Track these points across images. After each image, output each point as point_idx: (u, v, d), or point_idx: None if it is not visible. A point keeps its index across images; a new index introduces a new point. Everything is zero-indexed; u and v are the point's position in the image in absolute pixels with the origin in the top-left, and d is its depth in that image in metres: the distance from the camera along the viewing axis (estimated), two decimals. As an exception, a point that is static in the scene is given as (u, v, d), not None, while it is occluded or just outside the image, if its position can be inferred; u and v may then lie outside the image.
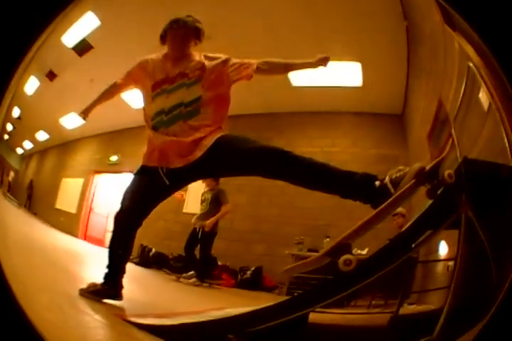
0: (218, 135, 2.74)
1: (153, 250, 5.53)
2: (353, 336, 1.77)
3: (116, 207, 7.91)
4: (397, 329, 1.72)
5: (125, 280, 3.39)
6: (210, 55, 2.88)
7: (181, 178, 2.78)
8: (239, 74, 2.77)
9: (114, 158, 7.73)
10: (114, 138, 7.95)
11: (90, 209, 8.16)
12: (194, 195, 5.15)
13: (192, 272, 4.28)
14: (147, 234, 5.91)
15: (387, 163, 3.88)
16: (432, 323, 1.29)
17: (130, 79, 3.43)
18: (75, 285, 2.63)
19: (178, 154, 2.72)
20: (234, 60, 2.79)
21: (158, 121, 2.96)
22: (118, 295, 2.74)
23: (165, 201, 5.24)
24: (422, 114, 2.93)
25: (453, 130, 1.71)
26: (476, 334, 1.12)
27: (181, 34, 2.84)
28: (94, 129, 8.41)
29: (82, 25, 4.72)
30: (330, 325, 1.84)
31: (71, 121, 8.28)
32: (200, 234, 4.33)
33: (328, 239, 3.91)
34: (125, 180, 7.60)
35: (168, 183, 2.86)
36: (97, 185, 8.20)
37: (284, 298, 2.21)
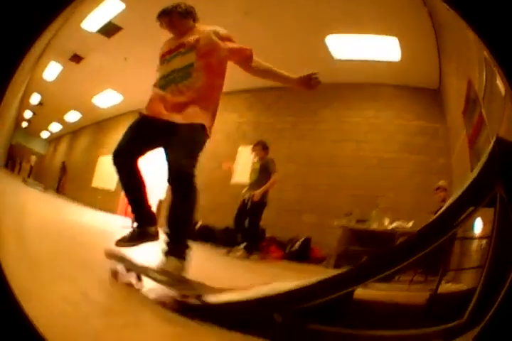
0: (196, 119, 3.04)
1: (199, 223, 5.64)
2: (394, 314, 1.76)
3: (162, 179, 8.19)
4: (434, 310, 1.64)
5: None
6: (218, 29, 3.26)
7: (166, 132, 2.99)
8: (232, 55, 3.27)
9: None
10: None
11: None
12: (242, 165, 5.34)
13: (240, 245, 4.28)
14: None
15: (428, 135, 4.08)
16: (465, 304, 1.28)
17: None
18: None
19: (165, 108, 3.02)
20: (223, 32, 3.17)
21: (158, 84, 3.31)
22: (155, 234, 2.97)
23: (212, 172, 5.62)
24: (456, 91, 3.01)
25: (483, 109, 1.73)
26: (476, 334, 1.13)
27: (166, 22, 3.43)
28: (131, 105, 8.63)
29: (105, 9, 4.97)
30: (373, 302, 1.84)
31: (105, 100, 8.53)
32: (249, 204, 4.36)
33: (376, 210, 4.01)
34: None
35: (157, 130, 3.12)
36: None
37: (331, 271, 2.25)
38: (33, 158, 14.28)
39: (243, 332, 1.43)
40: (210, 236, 4.91)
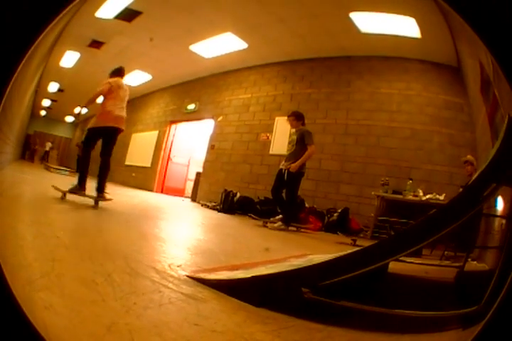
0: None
1: (238, 195, 5.93)
2: (426, 288, 1.77)
3: (197, 153, 8.62)
4: (459, 289, 1.67)
5: (203, 228, 3.99)
6: None
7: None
8: None
9: (191, 107, 8.53)
10: (188, 88, 8.80)
11: (168, 159, 8.81)
12: (280, 136, 5.70)
13: (279, 216, 4.44)
14: (231, 179, 6.76)
15: (454, 109, 4.37)
16: (485, 288, 1.22)
17: None
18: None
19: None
20: None
21: None
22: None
23: (250, 143, 6.58)
24: (472, 71, 3.15)
25: (495, 90, 1.81)
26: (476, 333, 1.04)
27: None
28: (163, 83, 9.00)
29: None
30: (406, 276, 1.85)
31: (135, 79, 8.89)
32: (286, 175, 4.45)
33: (410, 182, 4.23)
34: (205, 125, 8.44)
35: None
36: (174, 134, 8.70)
37: (368, 242, 2.34)
38: (48, 144, 14.95)
39: (271, 308, 1.41)
40: (249, 207, 5.23)
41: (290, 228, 4.40)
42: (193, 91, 8.71)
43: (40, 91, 12.27)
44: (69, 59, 8.64)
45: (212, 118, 7.97)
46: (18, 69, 1.11)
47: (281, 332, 1.25)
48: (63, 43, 7.40)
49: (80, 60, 8.58)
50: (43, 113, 16.42)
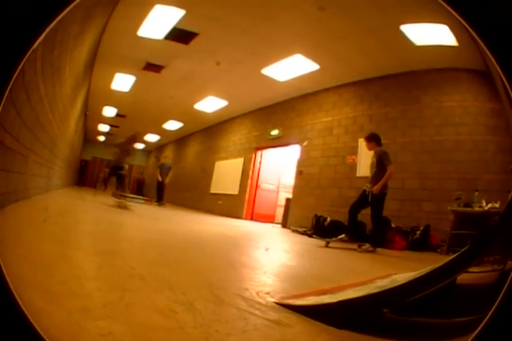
0: None
1: (329, 219, 7.06)
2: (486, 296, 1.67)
3: (285, 178, 9.61)
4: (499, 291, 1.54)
5: (292, 254, 4.40)
6: None
7: None
8: None
9: (275, 132, 9.70)
10: (269, 114, 9.96)
11: (257, 186, 10.26)
12: (364, 158, 6.47)
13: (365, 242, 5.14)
14: (321, 204, 7.76)
15: (496, 116, 4.91)
16: None
17: None
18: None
19: None
20: None
21: None
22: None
23: (337, 166, 7.61)
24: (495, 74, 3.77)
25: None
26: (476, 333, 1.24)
27: None
28: (240, 108, 10.41)
29: (159, 15, 6.21)
30: (470, 285, 1.97)
31: (210, 105, 10.25)
32: (370, 197, 5.18)
33: (477, 193, 4.87)
34: (290, 151, 9.64)
35: None
36: (260, 161, 10.19)
37: (444, 257, 2.77)
38: (106, 170, 16.39)
39: (352, 330, 1.61)
40: (340, 230, 5.73)
41: (377, 249, 5.02)
42: (274, 116, 9.84)
43: (91, 116, 13.80)
44: (121, 82, 9.88)
45: (298, 143, 8.94)
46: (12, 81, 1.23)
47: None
48: (105, 63, 8.52)
49: (136, 83, 9.89)
50: (101, 138, 17.99)
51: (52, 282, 1.65)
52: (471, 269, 1.89)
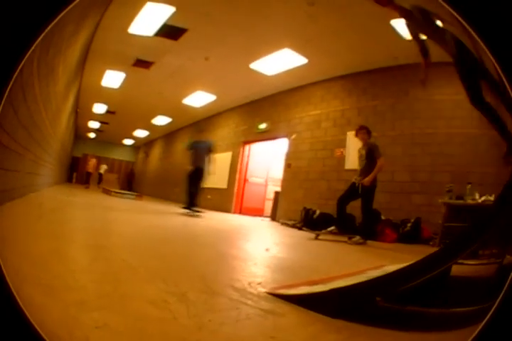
0: None
1: (318, 212, 7.12)
2: (482, 287, 1.86)
3: (274, 172, 9.76)
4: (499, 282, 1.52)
5: (281, 248, 4.39)
6: None
7: None
8: None
9: (263, 126, 9.75)
10: (256, 107, 10.02)
11: (245, 180, 10.36)
12: (353, 151, 6.47)
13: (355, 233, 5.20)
14: (310, 197, 7.83)
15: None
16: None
17: None
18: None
19: None
20: None
21: None
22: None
23: (326, 160, 7.66)
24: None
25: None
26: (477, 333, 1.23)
27: None
28: (229, 103, 10.45)
29: (149, 12, 6.22)
30: (464, 277, 2.03)
31: (198, 100, 10.33)
32: (360, 189, 5.22)
33: (470, 186, 4.94)
34: (278, 145, 9.73)
35: None
36: (249, 154, 10.28)
37: (433, 250, 2.74)
38: (103, 166, 16.42)
39: (346, 319, 1.63)
40: (329, 223, 5.79)
41: (367, 241, 5.07)
42: (261, 110, 9.89)
43: (82, 113, 13.77)
44: (111, 79, 9.93)
45: (286, 136, 9.01)
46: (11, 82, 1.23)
47: (354, 339, 1.48)
48: (96, 61, 8.53)
49: (126, 80, 9.93)
50: (91, 135, 17.96)
51: (48, 276, 1.67)
52: (466, 262, 1.96)
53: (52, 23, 1.31)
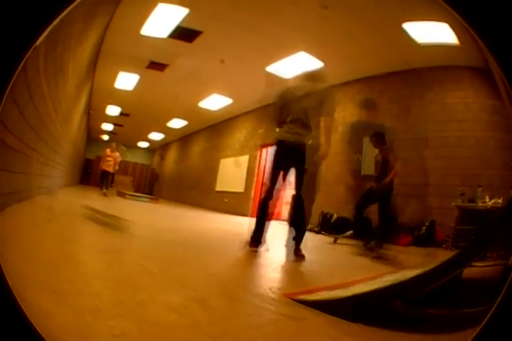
0: None
1: (335, 216, 7.08)
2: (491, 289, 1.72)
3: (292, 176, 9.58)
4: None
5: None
6: None
7: None
8: None
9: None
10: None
11: (263, 183, 9.80)
12: (370, 157, 6.32)
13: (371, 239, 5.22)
14: (328, 201, 7.53)
15: (498, 113, 4.62)
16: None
17: None
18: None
19: None
20: None
21: None
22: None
23: (343, 165, 7.41)
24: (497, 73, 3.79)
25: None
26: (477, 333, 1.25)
27: None
28: (246, 106, 10.27)
29: (163, 14, 6.24)
30: (475, 279, 2.05)
31: (214, 103, 10.10)
32: (377, 194, 5.29)
33: (480, 189, 4.96)
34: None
35: None
36: (266, 158, 9.86)
37: (450, 252, 2.63)
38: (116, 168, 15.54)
39: (365, 323, 1.69)
40: (346, 227, 6.00)
41: (384, 245, 5.11)
42: (280, 112, 9.61)
43: (95, 114, 13.72)
44: (125, 81, 9.74)
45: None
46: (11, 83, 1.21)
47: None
48: (107, 62, 8.46)
49: (140, 82, 9.75)
50: (105, 137, 17.90)
51: (56, 281, 1.69)
52: (475, 264, 2.00)
53: (57, 19, 1.32)
